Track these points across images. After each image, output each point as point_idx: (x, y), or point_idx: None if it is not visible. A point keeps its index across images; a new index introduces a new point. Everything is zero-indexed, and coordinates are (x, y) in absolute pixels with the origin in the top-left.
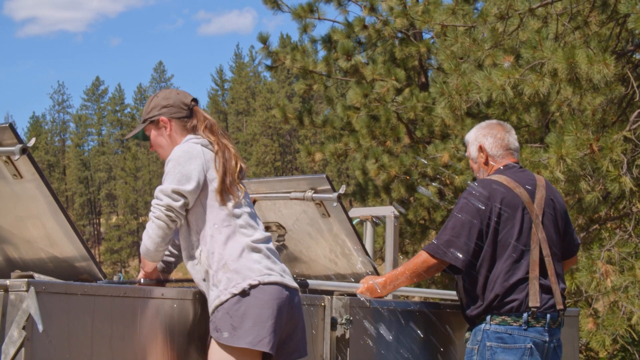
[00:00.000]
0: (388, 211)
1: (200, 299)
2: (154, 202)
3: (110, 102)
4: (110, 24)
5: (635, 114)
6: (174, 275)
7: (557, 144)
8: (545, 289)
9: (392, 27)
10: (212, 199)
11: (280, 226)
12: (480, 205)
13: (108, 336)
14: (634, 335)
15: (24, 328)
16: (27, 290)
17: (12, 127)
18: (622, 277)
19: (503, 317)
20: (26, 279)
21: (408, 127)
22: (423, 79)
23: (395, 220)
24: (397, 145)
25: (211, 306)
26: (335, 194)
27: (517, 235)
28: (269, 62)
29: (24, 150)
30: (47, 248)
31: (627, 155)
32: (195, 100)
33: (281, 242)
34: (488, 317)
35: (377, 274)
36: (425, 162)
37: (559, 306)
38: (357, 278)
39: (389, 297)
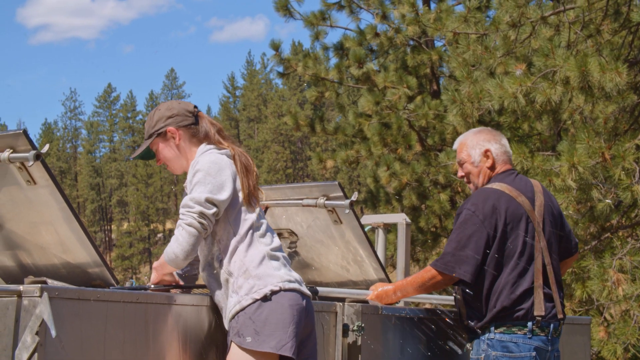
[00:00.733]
0: (400, 218)
1: (214, 304)
2: (184, 210)
3: (122, 108)
4: (123, 31)
5: None
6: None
7: (569, 152)
8: (548, 298)
9: (404, 35)
10: (237, 208)
11: (292, 233)
12: (484, 217)
13: (120, 342)
14: None
15: (37, 333)
16: (40, 296)
17: (26, 134)
18: (633, 285)
19: (508, 325)
20: (39, 285)
21: (420, 134)
22: (435, 87)
23: (407, 228)
24: (409, 153)
25: (230, 312)
26: (347, 201)
27: (522, 245)
28: (280, 69)
29: (37, 157)
30: (60, 254)
31: (639, 164)
32: (196, 107)
33: (293, 249)
34: (492, 327)
35: (389, 281)
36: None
37: (560, 315)
38: (369, 285)
39: (401, 304)
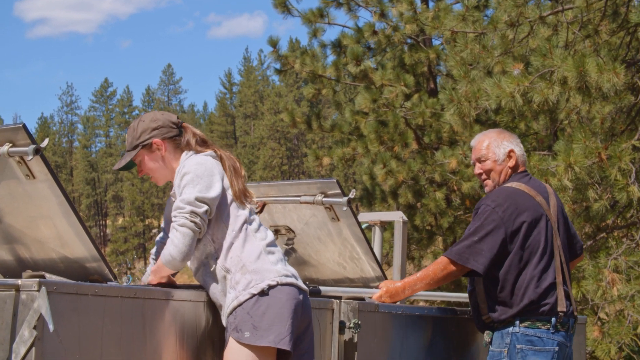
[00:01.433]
0: (397, 216)
1: (211, 300)
2: (175, 212)
3: (119, 104)
4: (121, 26)
5: None
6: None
7: (566, 152)
8: (566, 295)
9: (402, 33)
10: (228, 206)
11: (289, 229)
12: (504, 213)
13: (118, 337)
14: None
15: (34, 327)
16: (38, 290)
17: (25, 128)
18: (628, 285)
19: (533, 320)
20: (37, 279)
21: (416, 132)
22: (432, 85)
23: (404, 226)
24: (405, 151)
25: (228, 308)
26: (345, 199)
27: (544, 242)
28: (278, 66)
29: (37, 151)
30: (58, 248)
31: (635, 164)
32: (178, 119)
33: (290, 246)
34: (517, 321)
35: (386, 278)
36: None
37: (575, 313)
38: (366, 282)
39: (397, 302)
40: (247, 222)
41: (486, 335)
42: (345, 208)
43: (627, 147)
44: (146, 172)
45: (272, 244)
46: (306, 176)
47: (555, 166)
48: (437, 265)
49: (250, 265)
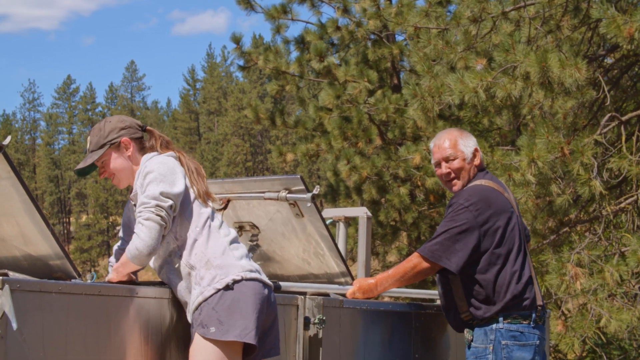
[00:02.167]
0: (361, 212)
1: (176, 297)
2: (140, 207)
3: (82, 100)
4: (84, 22)
5: (606, 117)
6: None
7: (529, 146)
8: (538, 289)
9: (365, 29)
10: (191, 203)
11: (254, 226)
12: (477, 213)
13: (82, 334)
14: (603, 338)
15: None
16: (1, 288)
17: None
18: (591, 279)
19: (515, 316)
20: (0, 277)
21: (380, 128)
22: (395, 81)
23: (368, 221)
24: (369, 147)
25: (193, 304)
26: (309, 195)
27: (519, 238)
28: (241, 63)
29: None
30: (21, 246)
31: (597, 159)
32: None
33: (255, 242)
34: (500, 317)
35: (350, 274)
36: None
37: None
38: (330, 278)
39: (370, 298)
40: (210, 218)
41: (467, 333)
42: (309, 204)
43: (589, 141)
44: (109, 173)
45: (235, 240)
46: (270, 172)
47: (519, 161)
48: (409, 262)
49: (214, 260)
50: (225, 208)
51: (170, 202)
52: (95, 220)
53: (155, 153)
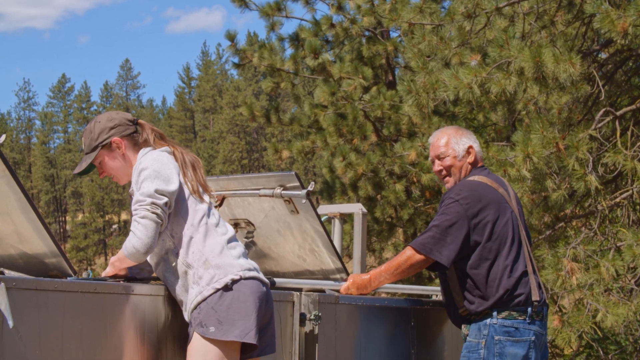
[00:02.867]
0: (356, 208)
1: (171, 295)
2: (136, 205)
3: (77, 99)
4: (78, 21)
5: (601, 112)
6: None
7: (524, 142)
8: (538, 284)
9: (360, 26)
10: (186, 200)
11: (249, 223)
12: (467, 206)
13: (78, 332)
14: (599, 332)
15: None
16: None
17: None
18: (587, 274)
19: (509, 311)
20: None
21: (375, 125)
22: (390, 77)
23: (363, 218)
24: (364, 143)
25: (192, 303)
26: (304, 191)
27: (511, 232)
28: (236, 60)
29: None
30: (16, 244)
31: (592, 154)
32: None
33: (250, 239)
34: (494, 312)
35: (346, 270)
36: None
37: (547, 301)
38: (326, 275)
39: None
40: (207, 215)
41: (464, 329)
42: (304, 200)
43: (584, 136)
44: (107, 173)
45: (233, 239)
46: (266, 170)
47: (514, 157)
48: (401, 256)
49: (213, 260)
50: (220, 205)
51: (165, 199)
52: (91, 219)
53: (149, 148)
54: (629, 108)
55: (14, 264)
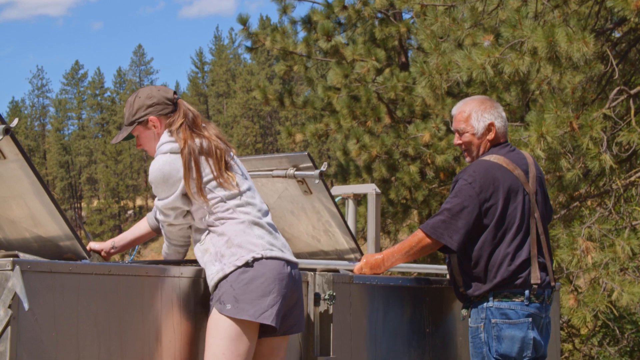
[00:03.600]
0: (370, 189)
1: (185, 276)
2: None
3: (90, 86)
4: (91, 8)
5: (615, 91)
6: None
7: (538, 122)
8: (542, 267)
9: (372, 8)
10: (197, 194)
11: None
12: (480, 189)
13: (93, 314)
14: (615, 312)
15: (9, 307)
16: (12, 269)
17: None
18: (602, 253)
19: (505, 294)
20: (11, 258)
21: (389, 107)
22: (403, 59)
23: (377, 198)
24: (378, 125)
25: (213, 280)
26: (317, 171)
27: (520, 217)
28: (249, 44)
29: (7, 131)
30: (31, 228)
31: (606, 133)
32: (175, 93)
33: None
34: (490, 296)
35: (360, 250)
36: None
37: (552, 283)
38: (340, 255)
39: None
40: (230, 198)
41: (463, 311)
42: (317, 181)
43: (598, 115)
44: (142, 146)
45: (260, 217)
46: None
47: (528, 137)
48: (413, 237)
49: (235, 239)
50: None
51: (171, 212)
52: (106, 205)
53: (164, 142)
54: None
55: (29, 247)
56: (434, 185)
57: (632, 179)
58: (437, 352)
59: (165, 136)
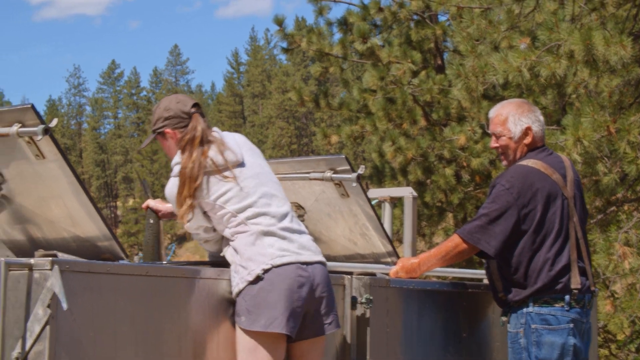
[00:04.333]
0: (406, 192)
1: (222, 277)
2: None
3: (126, 85)
4: (129, 7)
5: None
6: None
7: (574, 126)
8: (582, 271)
9: (408, 10)
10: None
11: (299, 206)
12: (518, 194)
13: (131, 314)
14: None
15: (48, 306)
16: (51, 269)
17: (34, 108)
18: (639, 259)
19: (546, 299)
20: (50, 258)
21: (424, 109)
22: (439, 62)
23: (414, 201)
24: (414, 128)
25: (233, 294)
26: (354, 175)
27: (559, 222)
28: (284, 45)
29: (46, 131)
30: (69, 228)
31: None
32: (196, 105)
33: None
34: (530, 301)
35: (396, 254)
36: None
37: (592, 287)
38: (377, 258)
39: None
40: (241, 211)
41: (503, 317)
42: (354, 184)
43: (636, 119)
44: (165, 152)
45: (272, 224)
46: (315, 155)
47: (564, 140)
48: (449, 242)
49: (245, 252)
50: None
51: (199, 231)
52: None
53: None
54: None
55: (67, 247)
56: (469, 189)
57: None
58: (473, 358)
59: (177, 156)
